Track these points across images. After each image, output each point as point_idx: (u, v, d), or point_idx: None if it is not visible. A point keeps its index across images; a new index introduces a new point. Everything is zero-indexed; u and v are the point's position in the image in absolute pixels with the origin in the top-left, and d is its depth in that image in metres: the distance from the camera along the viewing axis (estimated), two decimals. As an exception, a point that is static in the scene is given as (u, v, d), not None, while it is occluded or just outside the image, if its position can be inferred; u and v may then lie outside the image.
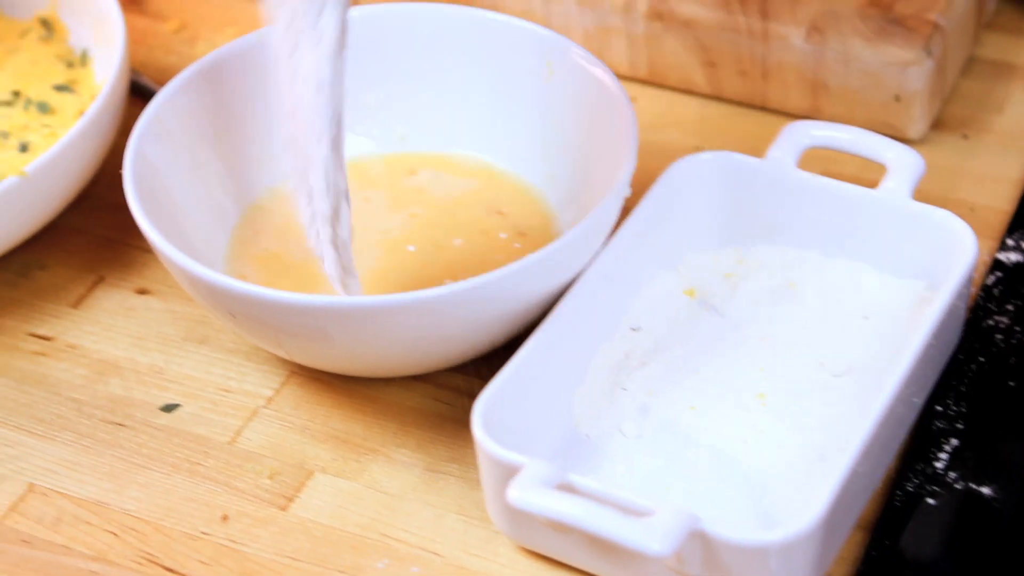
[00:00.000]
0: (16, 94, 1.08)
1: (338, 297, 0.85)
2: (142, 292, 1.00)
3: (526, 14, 1.09)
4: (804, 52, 1.03)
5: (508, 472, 0.81)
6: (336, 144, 0.84)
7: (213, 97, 0.98)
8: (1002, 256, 0.96)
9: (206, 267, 0.86)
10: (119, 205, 1.04)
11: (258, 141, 1.00)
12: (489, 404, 0.83)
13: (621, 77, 0.99)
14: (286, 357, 0.91)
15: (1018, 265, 0.95)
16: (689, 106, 1.09)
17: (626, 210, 0.91)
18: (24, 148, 1.03)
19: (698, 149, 1.06)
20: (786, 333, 0.92)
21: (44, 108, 1.07)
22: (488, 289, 0.85)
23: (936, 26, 1.02)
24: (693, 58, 1.07)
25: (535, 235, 0.97)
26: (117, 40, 1.04)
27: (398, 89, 1.02)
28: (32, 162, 0.96)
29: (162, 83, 1.13)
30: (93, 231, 1.04)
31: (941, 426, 0.87)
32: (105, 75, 1.08)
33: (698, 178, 0.95)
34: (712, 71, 1.08)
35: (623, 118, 0.92)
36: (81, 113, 1.06)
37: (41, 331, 0.98)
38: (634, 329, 0.92)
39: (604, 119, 0.94)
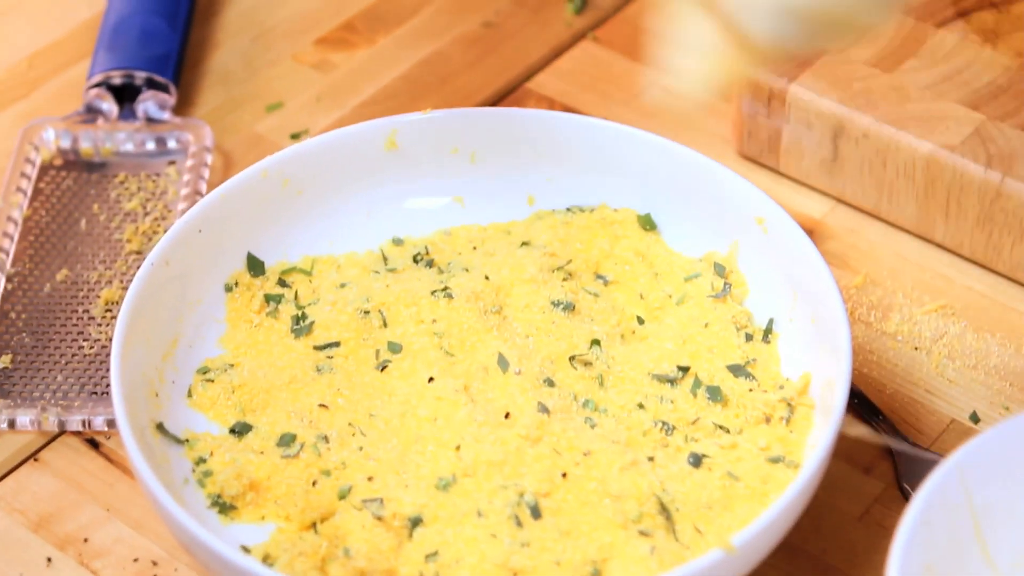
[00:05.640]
0: (683, 370, 0.86)
1: None
2: None
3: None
4: None
5: None
6: None
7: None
8: None
9: None
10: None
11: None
12: None
13: None
14: None
15: None
16: None
17: None
18: (696, 461, 0.81)
19: None
20: None
21: (715, 396, 0.85)
22: None
23: None
24: None
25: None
26: (836, 340, 0.81)
27: None
28: (741, 533, 0.74)
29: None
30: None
31: None
32: (797, 367, 0.85)
33: None
34: None
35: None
36: (766, 420, 0.83)
37: None
38: None
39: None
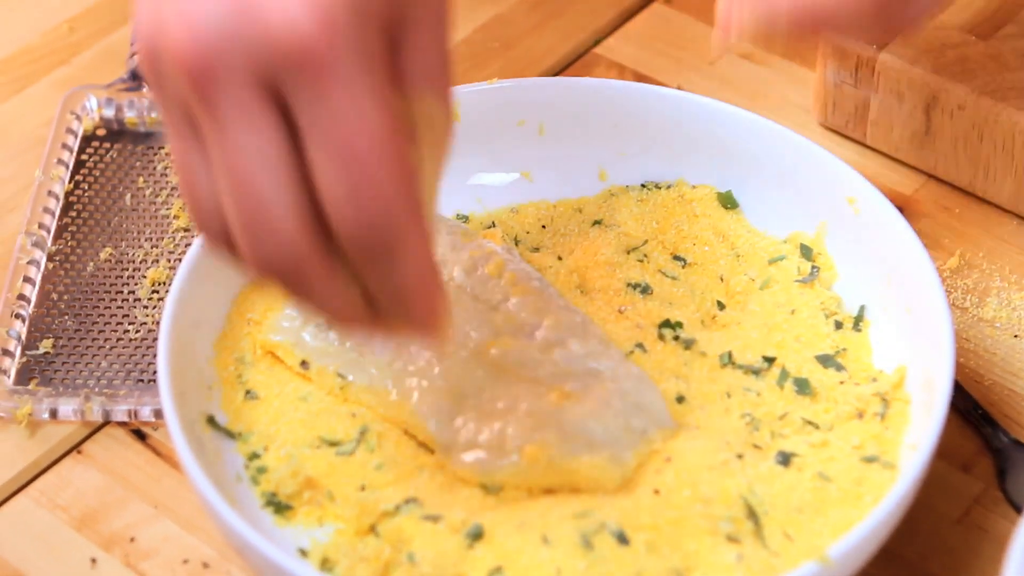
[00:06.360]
0: (768, 360, 0.80)
1: None
2: None
3: None
4: None
5: None
6: None
7: None
8: None
9: None
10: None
11: None
12: None
13: None
14: None
15: None
16: None
17: None
18: (785, 460, 0.76)
19: None
20: None
21: (804, 388, 0.79)
22: None
23: None
24: None
25: None
26: (936, 331, 0.75)
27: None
28: (837, 543, 0.68)
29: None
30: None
31: None
32: (890, 358, 0.80)
33: None
34: None
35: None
36: (859, 415, 0.78)
37: None
38: None
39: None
